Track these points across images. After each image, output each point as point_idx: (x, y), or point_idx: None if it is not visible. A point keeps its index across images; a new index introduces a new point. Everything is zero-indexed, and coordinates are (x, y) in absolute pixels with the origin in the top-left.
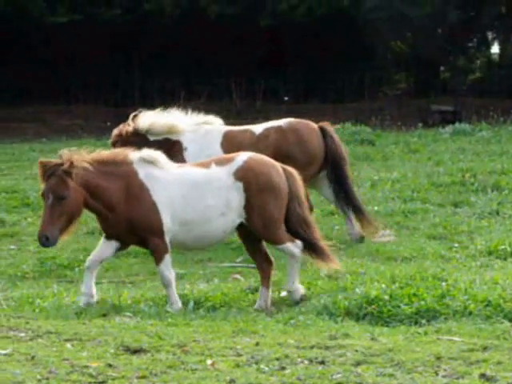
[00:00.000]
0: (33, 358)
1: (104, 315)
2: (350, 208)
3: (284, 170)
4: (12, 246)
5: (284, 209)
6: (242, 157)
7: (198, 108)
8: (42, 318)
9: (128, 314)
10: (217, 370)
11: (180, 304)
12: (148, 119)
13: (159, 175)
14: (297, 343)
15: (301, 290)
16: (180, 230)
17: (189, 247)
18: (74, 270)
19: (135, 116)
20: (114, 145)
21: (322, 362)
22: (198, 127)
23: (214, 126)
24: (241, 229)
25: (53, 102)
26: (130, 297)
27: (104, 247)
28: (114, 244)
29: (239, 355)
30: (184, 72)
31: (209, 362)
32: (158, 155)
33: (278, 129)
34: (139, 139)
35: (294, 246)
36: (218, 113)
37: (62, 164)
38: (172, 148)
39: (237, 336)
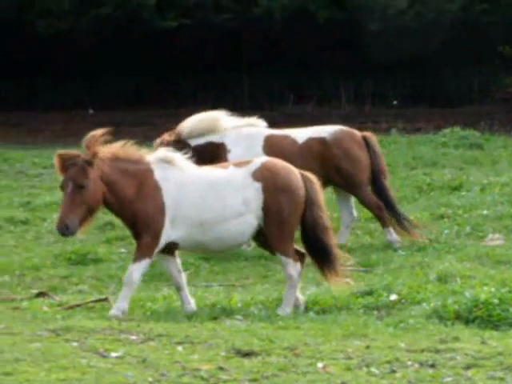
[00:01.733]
0: (144, 360)
1: (215, 318)
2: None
3: (302, 175)
4: (122, 250)
5: (299, 217)
6: (261, 159)
7: (306, 111)
8: (153, 321)
9: (238, 317)
10: (328, 373)
11: (127, 307)
12: (187, 123)
13: (175, 176)
14: (407, 346)
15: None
16: (197, 230)
17: (208, 249)
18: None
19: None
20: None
21: (433, 366)
22: (241, 129)
23: (256, 128)
24: (259, 236)
25: (162, 105)
26: (240, 300)
27: None
28: None
29: (350, 358)
30: (292, 76)
31: (320, 365)
32: (175, 155)
33: (322, 141)
34: (181, 146)
35: (294, 268)
36: (326, 116)
37: (82, 155)
38: (216, 150)
39: (347, 339)
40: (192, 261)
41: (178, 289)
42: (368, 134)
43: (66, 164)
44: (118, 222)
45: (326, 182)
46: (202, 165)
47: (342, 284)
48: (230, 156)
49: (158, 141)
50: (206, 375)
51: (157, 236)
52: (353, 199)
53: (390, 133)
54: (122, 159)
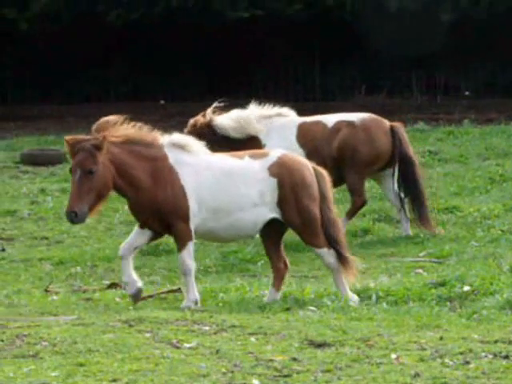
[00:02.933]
0: (217, 351)
1: (287, 309)
2: (416, 207)
3: (314, 169)
4: (194, 241)
5: (318, 209)
6: (276, 153)
7: (377, 102)
8: (226, 312)
9: (312, 308)
10: (401, 364)
11: (197, 296)
12: (225, 121)
13: (189, 160)
14: (480, 337)
15: (355, 297)
16: (211, 216)
17: (218, 237)
18: (257, 264)
19: (215, 110)
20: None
21: (506, 357)
22: (273, 120)
23: (288, 118)
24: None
25: (233, 96)
26: (312, 291)
27: (137, 235)
28: (146, 232)
29: (423, 349)
30: (364, 66)
31: (393, 356)
32: (190, 140)
33: (350, 124)
34: (212, 132)
35: (330, 255)
36: (398, 107)
37: (90, 139)
38: (249, 143)
39: (420, 330)
40: (264, 252)
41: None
42: (397, 124)
43: (75, 149)
44: None
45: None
46: None
47: (355, 275)
48: (266, 149)
49: (192, 121)
50: (279, 366)
51: (186, 219)
52: (395, 183)
53: (463, 123)
54: (134, 142)
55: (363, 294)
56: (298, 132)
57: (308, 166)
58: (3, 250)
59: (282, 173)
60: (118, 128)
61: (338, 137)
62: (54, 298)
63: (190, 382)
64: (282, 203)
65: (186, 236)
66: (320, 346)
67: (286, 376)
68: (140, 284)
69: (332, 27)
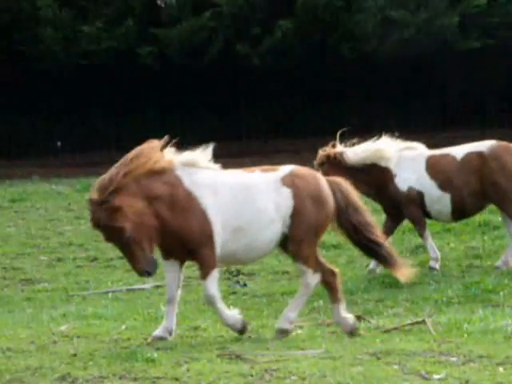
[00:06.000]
0: (467, 382)
1: None
2: None
3: (329, 181)
4: (435, 272)
5: (326, 227)
6: (289, 166)
7: None
8: (472, 343)
9: None
10: None
11: (239, 317)
12: (358, 153)
13: (205, 179)
14: None
15: (292, 319)
16: (231, 237)
17: (238, 258)
18: (499, 293)
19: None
20: (321, 165)
21: None
22: (403, 153)
23: (417, 151)
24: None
25: (467, 127)
26: None
27: (168, 274)
28: (174, 263)
29: None
30: None
31: None
32: (198, 156)
33: (480, 155)
34: (345, 164)
35: (313, 278)
36: None
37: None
38: (381, 175)
39: None
40: (506, 281)
41: (169, 301)
42: None
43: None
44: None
45: (483, 199)
46: (366, 188)
47: (409, 274)
48: (397, 180)
49: (324, 152)
50: None
51: (211, 245)
52: None
53: None
54: (146, 175)
55: None
56: (426, 164)
57: (323, 179)
58: (245, 285)
59: (297, 183)
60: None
61: (472, 169)
62: (299, 331)
63: None
64: (294, 215)
65: (210, 263)
66: None
67: None
68: (169, 336)
69: None
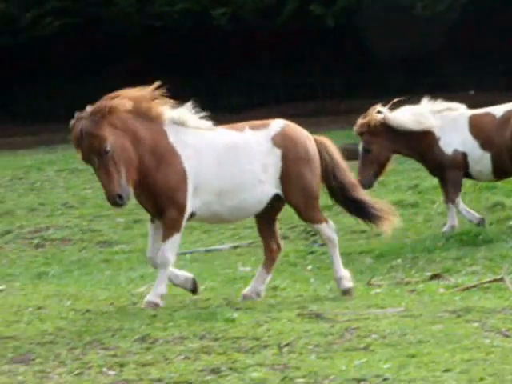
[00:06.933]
0: None
1: None
2: None
3: (316, 140)
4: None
5: (319, 183)
6: (279, 123)
7: None
8: None
9: None
10: None
11: (164, 290)
12: (401, 117)
13: (190, 139)
14: None
15: (348, 276)
16: (215, 199)
17: (223, 219)
18: None
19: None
20: (361, 134)
21: None
22: (444, 115)
23: (459, 111)
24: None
25: None
26: None
27: (154, 236)
28: (159, 224)
29: None
30: None
31: None
32: (188, 116)
33: None
34: (388, 130)
35: (329, 228)
36: None
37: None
38: (425, 139)
39: None
40: None
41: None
42: None
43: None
44: (508, 202)
45: None
46: (409, 153)
47: (393, 225)
48: (442, 143)
49: (363, 121)
50: None
51: (182, 209)
52: None
53: None
54: (140, 113)
55: None
56: (469, 124)
57: (310, 138)
58: (323, 244)
59: (287, 144)
60: (125, 95)
61: (509, 126)
62: (378, 290)
63: None
64: (284, 177)
65: (174, 226)
66: None
67: None
68: (190, 275)
69: None
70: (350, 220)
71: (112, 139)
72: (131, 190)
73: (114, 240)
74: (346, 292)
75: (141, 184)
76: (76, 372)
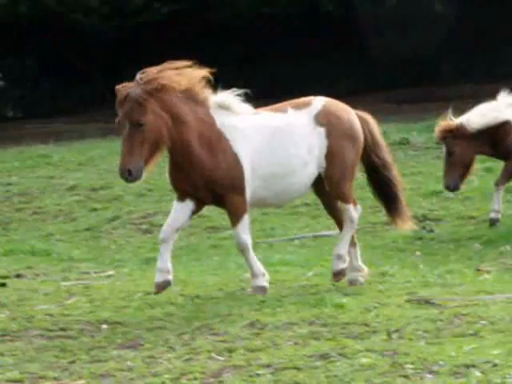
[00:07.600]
0: None
1: None
2: None
3: (359, 116)
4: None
5: (357, 163)
6: (320, 101)
7: None
8: None
9: None
10: None
11: (260, 269)
12: (473, 118)
13: (237, 123)
14: None
15: (346, 258)
16: (262, 184)
17: (268, 204)
18: None
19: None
20: (444, 139)
21: None
22: None
23: None
24: (318, 184)
25: None
26: None
27: (177, 214)
28: (188, 205)
29: None
30: None
31: None
32: (233, 100)
33: None
34: (466, 132)
35: (356, 211)
36: None
37: (138, 86)
38: (503, 130)
39: None
40: None
41: (161, 241)
42: None
43: (121, 99)
44: None
45: None
46: (492, 150)
47: (407, 227)
48: None
49: (442, 127)
50: None
51: (242, 191)
52: None
53: None
54: (188, 95)
55: None
56: None
57: (353, 113)
58: (432, 231)
59: (330, 121)
60: (171, 75)
61: None
62: (486, 276)
63: None
64: (328, 155)
65: (240, 209)
66: None
67: None
68: (170, 277)
69: None
70: (458, 205)
71: (151, 117)
72: (144, 173)
73: (223, 225)
74: (336, 273)
75: (185, 168)
76: (185, 357)
